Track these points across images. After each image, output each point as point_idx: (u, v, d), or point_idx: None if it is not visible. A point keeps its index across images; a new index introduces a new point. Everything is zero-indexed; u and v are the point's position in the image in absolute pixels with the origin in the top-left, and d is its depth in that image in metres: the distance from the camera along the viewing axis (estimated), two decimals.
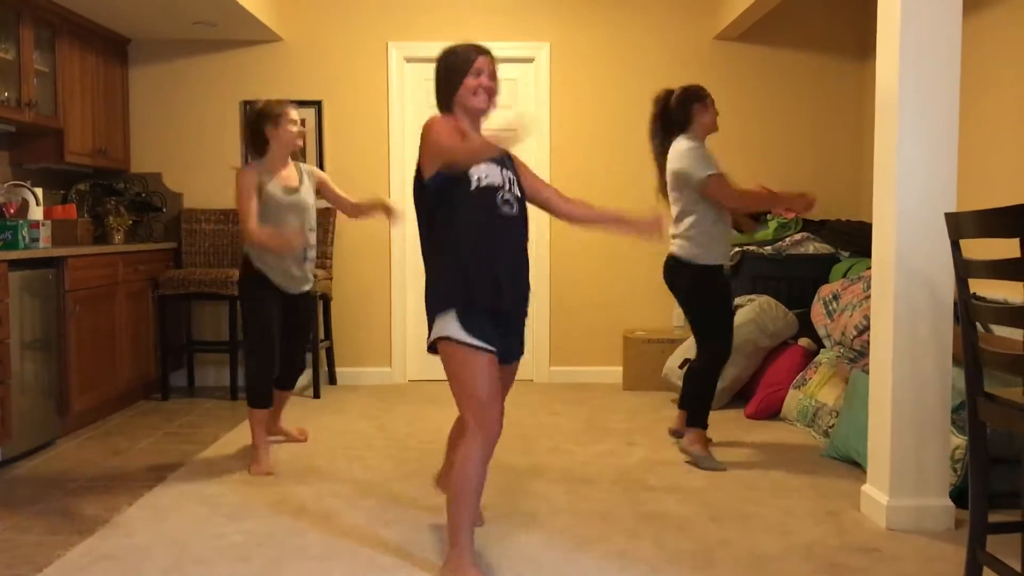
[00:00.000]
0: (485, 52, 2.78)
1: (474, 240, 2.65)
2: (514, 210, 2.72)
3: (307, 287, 4.05)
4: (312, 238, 4.00)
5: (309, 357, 4.97)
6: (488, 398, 2.57)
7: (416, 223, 2.79)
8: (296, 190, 3.91)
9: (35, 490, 3.59)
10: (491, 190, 2.67)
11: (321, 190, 4.11)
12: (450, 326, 2.59)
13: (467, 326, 2.58)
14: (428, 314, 2.69)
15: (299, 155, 4.26)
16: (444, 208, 2.69)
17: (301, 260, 3.94)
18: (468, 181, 2.66)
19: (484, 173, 2.68)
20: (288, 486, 3.59)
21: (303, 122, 4.04)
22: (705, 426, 3.95)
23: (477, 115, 2.79)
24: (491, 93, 2.76)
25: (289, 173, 3.94)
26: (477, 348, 2.58)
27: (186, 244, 5.71)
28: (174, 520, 3.19)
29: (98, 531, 3.08)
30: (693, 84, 4.08)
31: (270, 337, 3.88)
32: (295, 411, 5.00)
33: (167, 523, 3.16)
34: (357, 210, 4.10)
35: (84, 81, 5.19)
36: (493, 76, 2.77)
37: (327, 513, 3.26)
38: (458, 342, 2.58)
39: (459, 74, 2.75)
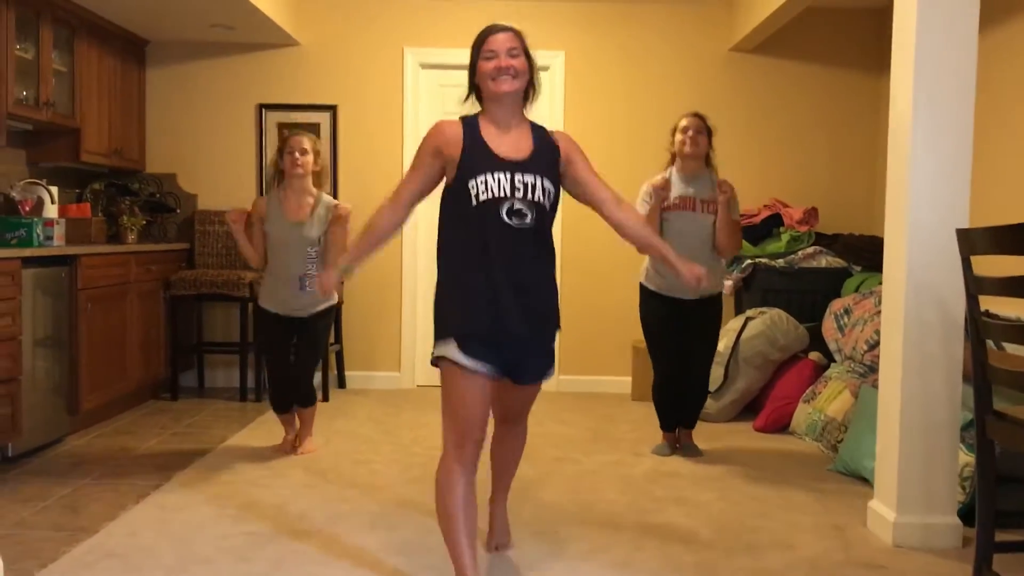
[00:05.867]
0: (500, 29, 2.48)
1: (472, 265, 2.44)
2: (527, 220, 2.42)
3: (315, 309, 4.05)
4: (313, 268, 3.96)
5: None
6: (462, 420, 2.51)
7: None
8: (300, 223, 3.94)
9: (43, 486, 3.60)
10: (493, 203, 2.41)
11: (330, 226, 3.98)
12: (449, 347, 2.44)
13: (465, 348, 2.43)
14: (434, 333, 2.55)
15: (324, 182, 4.16)
16: (446, 224, 2.52)
17: (296, 288, 3.96)
18: (468, 195, 2.42)
19: (484, 184, 2.40)
20: (294, 489, 3.60)
21: (314, 154, 4.00)
22: (665, 429, 4.33)
23: (504, 100, 2.48)
24: (513, 73, 2.44)
25: (301, 203, 3.98)
26: (470, 370, 2.43)
27: (199, 245, 5.74)
28: (179, 519, 3.20)
29: (104, 528, 3.09)
30: None
31: (268, 354, 4.16)
32: None
33: (172, 522, 3.17)
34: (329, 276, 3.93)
35: (101, 81, 5.23)
36: (514, 54, 2.45)
37: (331, 517, 3.26)
38: (453, 362, 2.43)
39: (473, 60, 2.51)
